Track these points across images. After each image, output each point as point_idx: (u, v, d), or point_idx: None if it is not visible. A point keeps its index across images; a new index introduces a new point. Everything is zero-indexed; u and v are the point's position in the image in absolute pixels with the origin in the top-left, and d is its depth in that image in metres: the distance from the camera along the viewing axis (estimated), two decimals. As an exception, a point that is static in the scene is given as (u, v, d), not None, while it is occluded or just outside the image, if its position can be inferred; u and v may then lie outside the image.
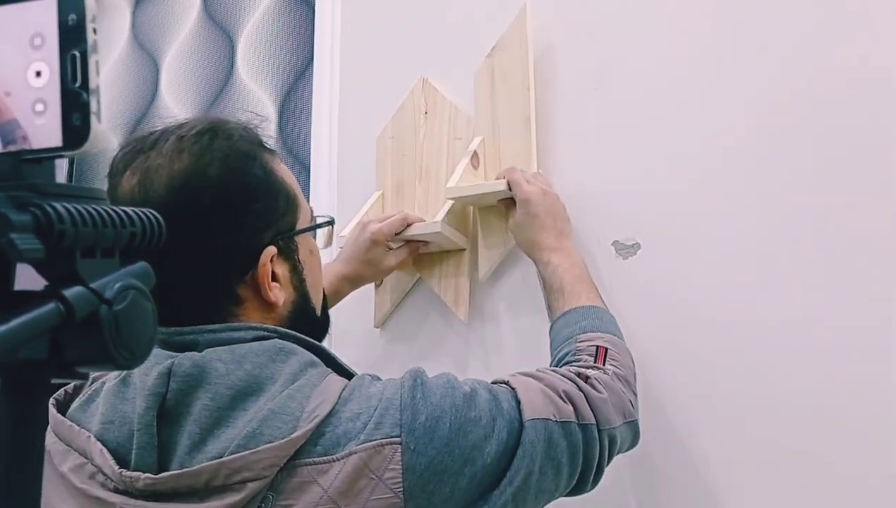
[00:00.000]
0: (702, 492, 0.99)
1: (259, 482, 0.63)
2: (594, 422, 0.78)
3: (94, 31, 0.38)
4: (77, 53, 0.38)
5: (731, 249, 1.01)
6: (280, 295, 0.75)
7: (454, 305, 1.21)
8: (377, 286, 1.29)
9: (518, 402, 0.73)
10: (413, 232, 1.16)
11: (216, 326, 0.71)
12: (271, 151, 0.80)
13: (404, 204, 1.29)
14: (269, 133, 0.82)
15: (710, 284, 1.01)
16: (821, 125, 0.96)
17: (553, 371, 0.82)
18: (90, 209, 0.38)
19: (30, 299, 0.36)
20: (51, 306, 0.35)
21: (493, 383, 0.76)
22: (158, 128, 0.75)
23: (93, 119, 0.38)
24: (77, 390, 0.77)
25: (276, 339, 0.72)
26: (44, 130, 0.38)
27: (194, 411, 0.66)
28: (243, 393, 0.67)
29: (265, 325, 0.73)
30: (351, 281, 1.17)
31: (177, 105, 1.78)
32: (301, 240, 0.80)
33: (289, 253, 0.77)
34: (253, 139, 0.78)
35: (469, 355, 1.21)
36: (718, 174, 1.03)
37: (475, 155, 1.18)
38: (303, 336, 0.75)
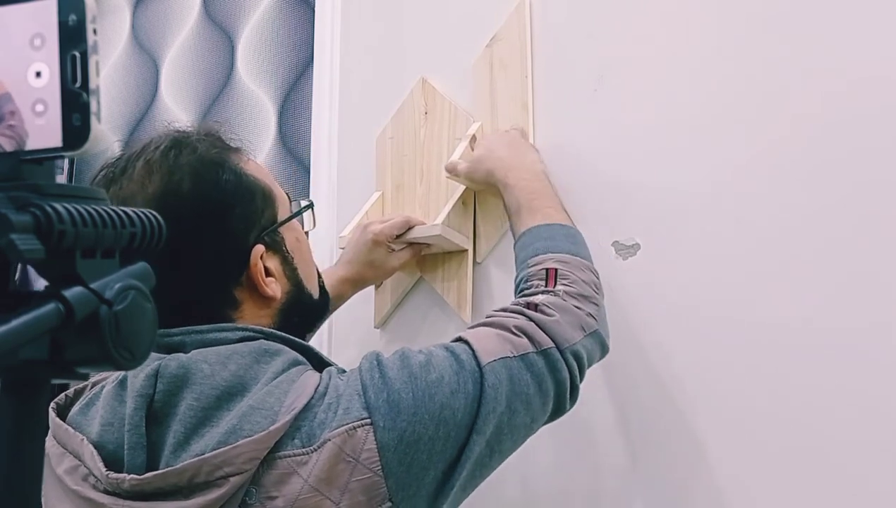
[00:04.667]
0: (702, 492, 0.99)
1: (241, 476, 0.64)
2: (552, 345, 0.78)
3: (95, 31, 0.38)
4: (77, 54, 0.38)
5: (731, 249, 1.01)
6: (277, 288, 0.78)
7: (457, 306, 1.21)
8: (377, 287, 1.29)
9: (473, 351, 0.74)
10: (415, 234, 1.15)
11: (203, 327, 0.73)
12: (238, 151, 0.81)
13: (404, 204, 1.29)
14: (231, 134, 0.83)
15: (711, 284, 1.01)
16: (821, 125, 0.96)
17: (501, 311, 0.82)
18: (90, 209, 0.38)
19: (30, 299, 0.36)
20: (51, 306, 0.35)
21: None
22: (125, 153, 0.77)
23: (93, 119, 0.38)
24: (77, 395, 0.78)
25: (262, 340, 0.73)
26: (44, 131, 0.38)
27: (180, 411, 0.68)
28: (228, 394, 0.68)
29: (251, 326, 0.75)
30: (353, 284, 1.17)
31: (177, 105, 1.78)
32: (285, 231, 0.81)
33: (276, 246, 0.79)
34: (217, 144, 0.79)
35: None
36: (718, 174, 1.03)
37: (473, 138, 1.19)
38: (288, 336, 0.77)
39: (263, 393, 0.68)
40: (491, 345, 0.75)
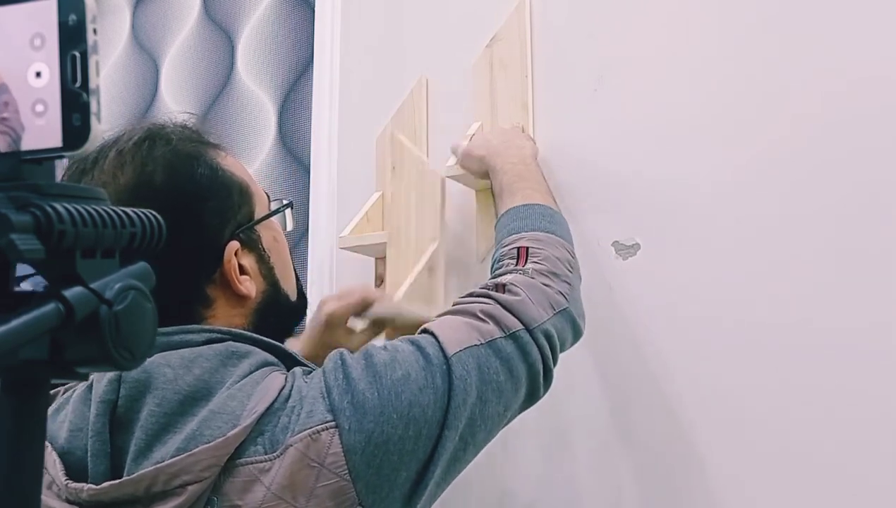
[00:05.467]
0: (702, 493, 0.99)
1: (199, 484, 0.62)
2: (521, 326, 0.76)
3: (95, 31, 0.38)
4: (77, 54, 0.38)
5: (731, 249, 1.01)
6: (251, 286, 0.75)
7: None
8: (377, 286, 1.29)
9: (440, 343, 0.71)
10: (374, 311, 0.96)
11: (169, 329, 0.70)
12: (216, 146, 0.79)
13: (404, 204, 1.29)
14: (210, 128, 0.81)
15: (711, 284, 1.01)
16: (821, 124, 0.96)
17: (468, 296, 0.80)
18: (90, 209, 0.38)
19: (30, 299, 0.36)
20: (51, 306, 0.35)
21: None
22: (93, 153, 0.74)
23: (93, 119, 0.38)
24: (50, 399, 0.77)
25: (230, 342, 0.71)
26: (44, 131, 0.38)
27: (142, 417, 0.65)
28: (192, 398, 0.66)
29: (218, 328, 0.72)
30: (312, 360, 1.11)
31: (177, 105, 1.78)
32: (262, 229, 0.79)
33: (252, 244, 0.77)
34: (194, 137, 0.77)
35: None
36: (719, 174, 1.03)
37: (472, 138, 1.19)
38: (259, 336, 0.74)
39: (226, 396, 0.66)
40: (457, 335, 0.73)
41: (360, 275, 1.28)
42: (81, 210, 0.37)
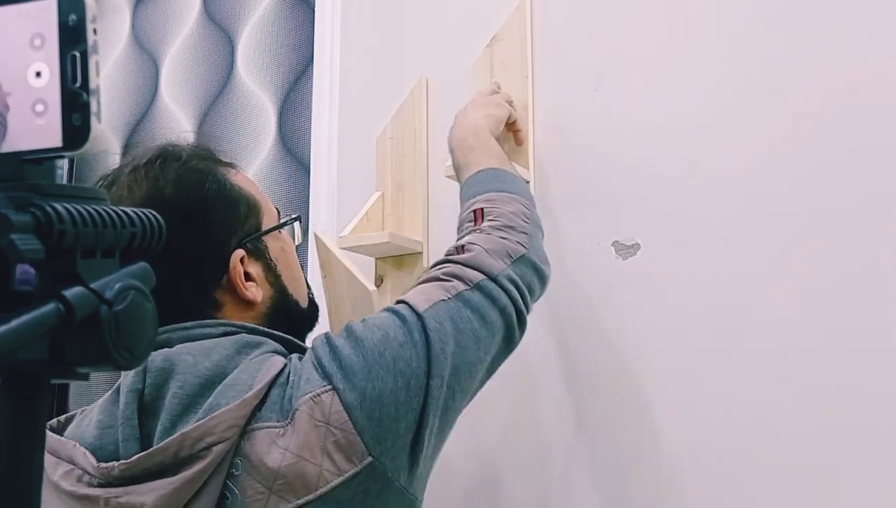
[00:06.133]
0: (702, 493, 0.99)
1: (222, 444, 0.66)
2: (483, 276, 0.80)
3: (95, 31, 0.38)
4: (77, 54, 0.38)
5: (731, 249, 1.01)
6: (258, 292, 0.81)
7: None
8: (377, 286, 1.29)
9: (411, 305, 0.76)
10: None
11: (188, 324, 0.77)
12: (228, 164, 0.86)
13: (404, 204, 1.29)
14: (224, 150, 0.88)
15: (711, 284, 1.01)
16: (821, 122, 0.96)
17: (432, 267, 0.85)
18: (90, 209, 0.38)
19: (30, 299, 0.36)
20: (51, 306, 0.35)
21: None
22: (112, 171, 0.82)
23: (93, 119, 0.38)
24: (69, 419, 0.81)
25: (244, 334, 0.77)
26: (44, 131, 0.38)
27: (166, 402, 0.71)
28: (211, 382, 0.71)
29: (234, 322, 0.79)
30: None
31: (177, 105, 1.78)
32: (270, 240, 0.85)
33: (259, 253, 0.83)
34: (205, 156, 0.84)
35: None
36: (719, 174, 1.03)
37: None
38: (271, 330, 0.80)
39: (237, 372, 0.72)
40: (425, 295, 0.77)
41: (358, 267, 1.28)
42: (81, 210, 0.37)
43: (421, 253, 1.26)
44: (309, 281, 0.93)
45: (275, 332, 0.80)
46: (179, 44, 1.80)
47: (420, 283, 0.82)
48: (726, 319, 1.00)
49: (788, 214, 0.97)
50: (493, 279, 0.81)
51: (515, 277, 0.83)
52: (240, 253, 0.80)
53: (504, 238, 0.86)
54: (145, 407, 0.71)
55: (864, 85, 0.94)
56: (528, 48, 1.20)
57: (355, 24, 1.45)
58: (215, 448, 0.66)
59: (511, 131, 1.17)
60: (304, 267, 1.42)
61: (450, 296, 0.78)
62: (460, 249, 0.84)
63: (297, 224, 0.92)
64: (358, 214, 1.28)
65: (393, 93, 1.34)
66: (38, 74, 0.38)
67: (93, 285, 0.37)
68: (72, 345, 0.37)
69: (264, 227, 0.84)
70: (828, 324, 0.93)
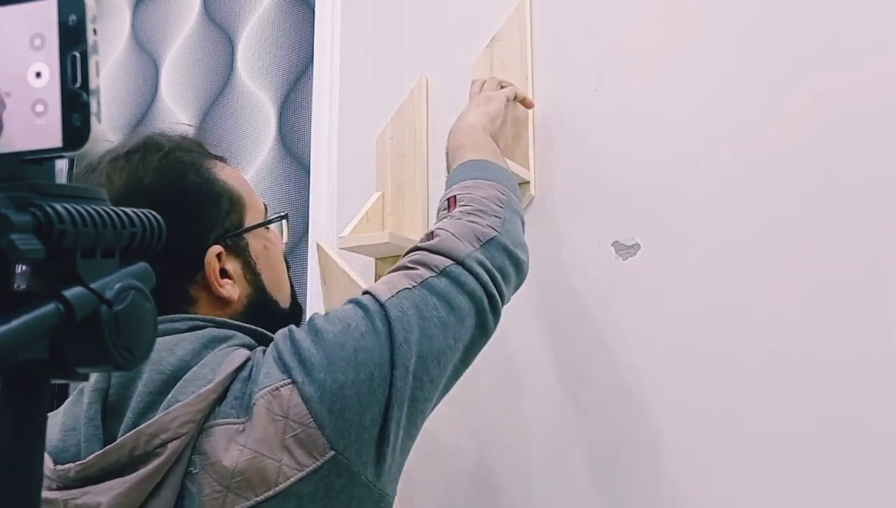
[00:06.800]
0: (702, 493, 0.99)
1: (178, 441, 0.65)
2: (450, 262, 0.78)
3: (95, 31, 0.38)
4: (77, 54, 0.38)
5: (731, 249, 1.01)
6: (233, 290, 0.79)
7: None
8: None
9: (374, 295, 0.74)
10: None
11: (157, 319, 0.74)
12: (214, 157, 0.83)
13: (405, 204, 1.29)
14: (210, 140, 0.86)
15: (711, 284, 1.01)
16: (822, 123, 0.96)
17: (403, 256, 0.83)
18: (90, 210, 0.38)
19: (30, 299, 0.36)
20: (51, 306, 0.35)
21: None
22: (96, 158, 0.80)
23: (93, 119, 0.38)
24: None
25: (211, 328, 0.75)
26: (44, 131, 0.38)
27: (133, 401, 0.69)
28: (174, 378, 0.69)
29: (202, 316, 0.76)
30: None
31: (177, 105, 1.78)
32: (251, 238, 0.82)
33: (238, 250, 0.81)
34: (189, 148, 0.81)
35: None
36: (719, 174, 1.03)
37: None
38: (241, 323, 0.78)
39: (198, 367, 0.70)
40: (389, 285, 0.76)
41: (360, 275, 1.28)
42: (81, 210, 0.37)
43: (421, 253, 1.26)
44: (293, 282, 0.91)
45: (245, 325, 0.78)
46: (179, 44, 1.80)
47: (388, 273, 0.80)
48: (726, 319, 1.00)
49: (788, 214, 0.97)
50: (461, 263, 0.79)
51: (485, 260, 0.81)
52: (217, 248, 0.78)
53: (473, 222, 0.84)
54: (110, 407, 0.70)
55: (864, 85, 0.94)
56: (528, 48, 1.20)
57: (355, 24, 1.45)
58: (170, 445, 0.65)
59: (518, 104, 1.17)
60: (303, 272, 1.43)
61: (415, 285, 0.76)
62: (429, 236, 0.82)
63: (284, 222, 0.89)
64: (358, 214, 1.28)
65: (393, 93, 1.34)
66: (38, 74, 0.38)
67: (93, 285, 0.37)
68: (72, 345, 0.37)
69: (247, 224, 0.82)
70: (828, 324, 0.93)
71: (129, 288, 0.38)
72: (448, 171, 1.01)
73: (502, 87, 1.13)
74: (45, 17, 0.38)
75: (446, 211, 0.88)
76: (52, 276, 0.37)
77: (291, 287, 0.89)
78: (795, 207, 0.97)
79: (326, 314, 0.74)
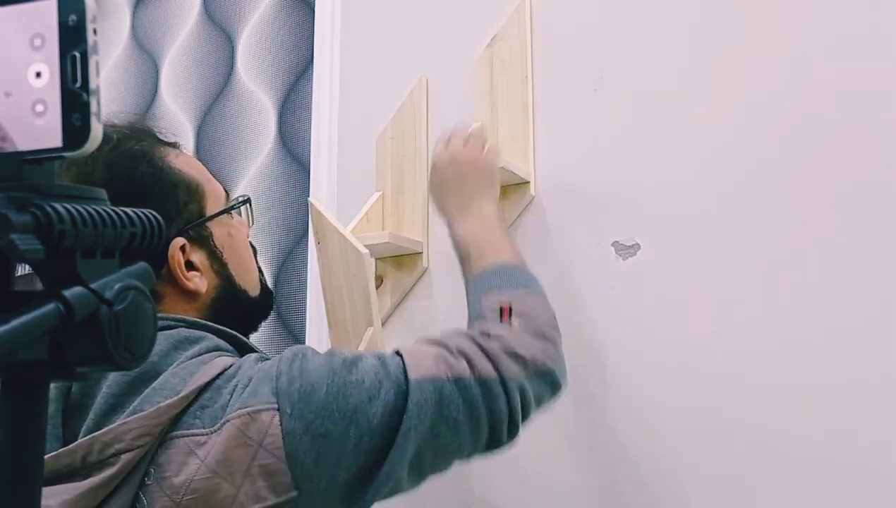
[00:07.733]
0: (702, 493, 0.99)
1: (132, 453, 0.62)
2: (495, 376, 0.74)
3: (95, 31, 0.38)
4: (77, 54, 0.38)
5: (731, 249, 1.01)
6: (201, 282, 0.76)
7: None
8: (377, 286, 1.29)
9: (405, 365, 0.70)
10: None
11: None
12: (167, 144, 0.80)
13: (404, 204, 1.29)
14: (164, 130, 0.82)
15: (711, 284, 1.01)
16: (823, 124, 0.96)
17: (454, 331, 0.79)
18: (90, 209, 0.38)
19: (30, 299, 0.36)
20: (51, 306, 0.35)
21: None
22: None
23: (93, 119, 0.38)
24: None
25: (182, 328, 0.72)
26: (44, 131, 0.38)
27: (97, 401, 0.67)
28: (140, 380, 0.67)
29: (172, 315, 0.74)
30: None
31: (177, 105, 1.78)
32: (215, 226, 0.80)
33: (202, 240, 0.78)
34: (140, 137, 0.78)
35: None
36: (719, 174, 1.03)
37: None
38: (213, 324, 0.75)
39: (169, 374, 0.67)
40: (424, 362, 0.71)
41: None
42: (81, 210, 0.37)
43: (421, 253, 1.26)
44: (261, 267, 0.88)
45: (217, 327, 0.75)
46: (179, 44, 1.80)
47: (430, 342, 0.75)
48: (726, 319, 1.00)
49: (789, 213, 0.97)
50: (504, 383, 0.74)
51: (527, 388, 0.77)
52: (179, 241, 0.75)
53: (533, 344, 0.80)
54: (72, 406, 0.68)
55: (864, 85, 0.94)
56: (527, 48, 1.20)
57: (355, 24, 1.45)
58: (124, 457, 0.62)
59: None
60: (303, 272, 1.42)
61: (449, 376, 0.71)
62: (486, 334, 0.77)
63: (246, 207, 0.86)
64: (358, 214, 1.28)
65: (393, 93, 1.34)
66: (38, 74, 0.38)
67: (93, 285, 0.37)
68: (72, 345, 0.37)
69: (208, 212, 0.79)
70: (828, 324, 0.93)
71: (129, 288, 0.38)
72: (467, 257, 0.93)
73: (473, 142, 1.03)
74: (45, 17, 0.38)
75: (498, 316, 0.82)
76: (53, 276, 0.37)
77: (260, 272, 0.87)
78: (796, 207, 0.97)
79: (351, 358, 0.70)
